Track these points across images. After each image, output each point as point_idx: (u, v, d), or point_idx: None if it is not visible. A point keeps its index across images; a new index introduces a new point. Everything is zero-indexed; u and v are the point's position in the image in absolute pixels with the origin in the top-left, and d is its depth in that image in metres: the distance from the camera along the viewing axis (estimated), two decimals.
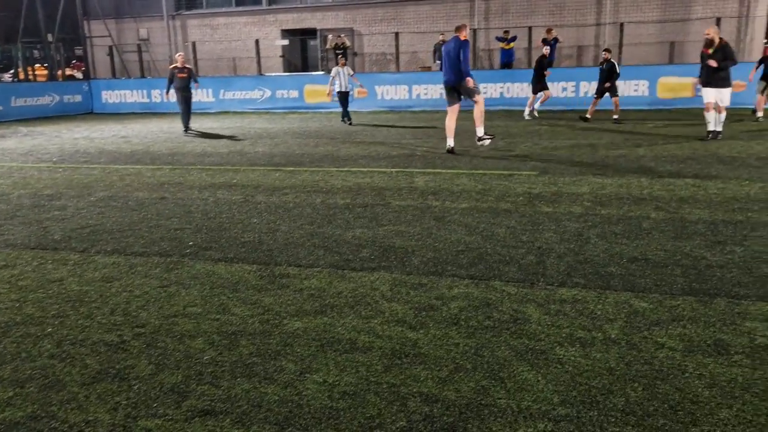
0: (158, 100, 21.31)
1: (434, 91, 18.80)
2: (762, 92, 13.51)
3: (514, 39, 20.79)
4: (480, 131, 10.40)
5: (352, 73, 15.76)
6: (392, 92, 19.56)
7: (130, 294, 4.31)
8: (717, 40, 10.42)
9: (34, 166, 10.37)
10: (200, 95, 19.86)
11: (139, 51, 24.86)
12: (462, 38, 9.81)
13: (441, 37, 20.73)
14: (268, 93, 20.74)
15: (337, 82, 15.51)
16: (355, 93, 16.24)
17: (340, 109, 16.07)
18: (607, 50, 14.29)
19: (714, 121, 10.70)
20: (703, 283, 4.16)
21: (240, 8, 26.49)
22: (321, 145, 11.95)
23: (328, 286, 4.34)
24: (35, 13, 25.63)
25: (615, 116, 14.05)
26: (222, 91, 21.17)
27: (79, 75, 28.44)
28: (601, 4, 21.50)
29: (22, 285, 4.57)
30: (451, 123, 10.24)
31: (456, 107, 10.22)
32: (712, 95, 10.57)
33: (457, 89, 10.06)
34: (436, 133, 12.96)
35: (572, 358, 3.19)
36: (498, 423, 2.66)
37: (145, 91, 22.22)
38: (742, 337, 3.38)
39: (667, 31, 20.76)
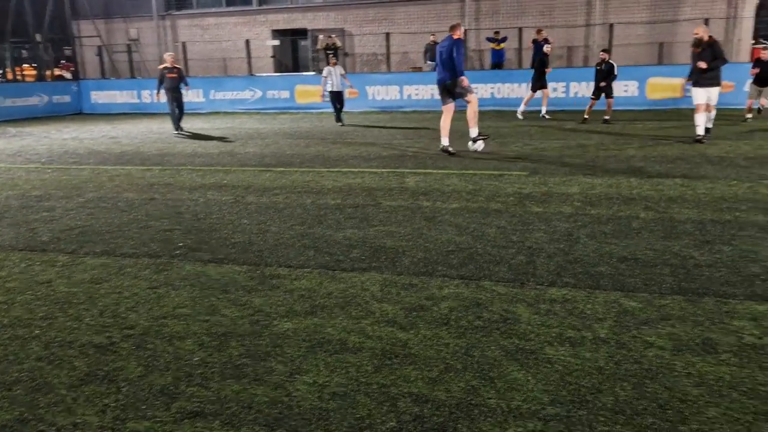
0: (148, 101, 21.20)
1: (425, 91, 18.81)
2: (755, 96, 13.54)
3: (504, 39, 20.85)
4: (473, 132, 10.29)
5: (343, 72, 15.60)
6: (383, 93, 19.55)
7: (119, 295, 4.29)
8: (705, 39, 10.31)
9: (22, 167, 10.29)
10: (190, 95, 19.72)
11: (129, 51, 24.69)
12: (455, 37, 9.76)
13: (432, 38, 20.75)
14: (259, 93, 20.68)
15: (330, 81, 15.38)
16: (347, 93, 16.16)
17: (332, 110, 15.95)
18: (605, 51, 14.28)
19: (703, 125, 10.54)
20: (692, 283, 4.19)
21: (230, 8, 26.40)
22: (312, 145, 11.93)
23: (318, 286, 4.33)
24: (23, 13, 25.43)
25: (606, 117, 14.09)
26: (212, 91, 21.09)
27: (68, 75, 28.22)
28: (591, 5, 21.60)
29: (10, 287, 4.53)
30: (445, 122, 10.15)
31: (450, 106, 10.14)
32: (702, 96, 10.43)
33: (449, 88, 10.00)
34: (427, 134, 12.97)
35: (562, 357, 3.21)
36: (488, 423, 2.66)
37: (135, 92, 22.10)
38: (730, 336, 3.40)
39: (656, 32, 20.88)
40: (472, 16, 22.89)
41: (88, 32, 26.84)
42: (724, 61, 10.39)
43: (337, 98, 15.54)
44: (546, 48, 15.52)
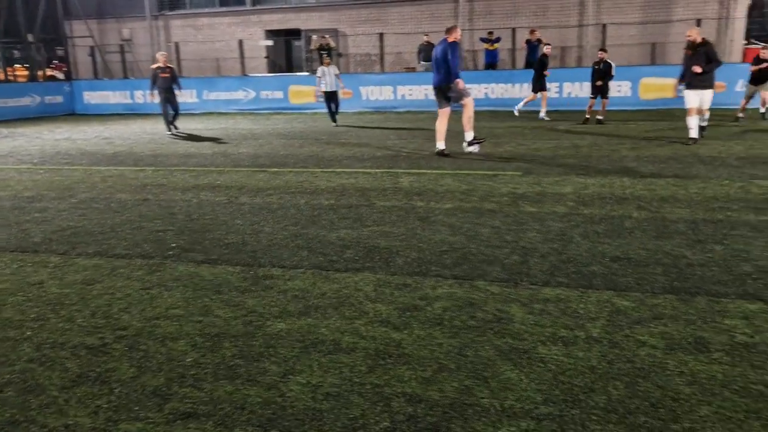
0: (141, 101, 21.12)
1: (419, 92, 18.82)
2: (751, 96, 13.61)
3: (498, 40, 20.90)
4: (469, 136, 10.14)
5: (337, 72, 15.57)
6: (377, 93, 19.55)
7: (111, 296, 4.27)
8: (699, 41, 10.19)
9: (14, 168, 10.24)
10: (184, 96, 19.70)
11: (122, 51, 24.59)
12: (450, 40, 9.69)
13: (425, 38, 20.78)
14: (253, 94, 20.64)
15: (324, 82, 15.36)
16: (340, 94, 16.14)
17: (326, 110, 15.94)
18: (603, 50, 14.32)
19: (696, 127, 10.47)
20: (684, 282, 4.21)
21: (224, 8, 26.34)
22: (306, 146, 11.92)
23: (311, 287, 4.33)
24: (15, 13, 25.29)
25: (599, 117, 14.13)
26: (206, 91, 21.04)
27: (60, 75, 28.09)
28: (584, 5, 21.68)
29: (1, 288, 4.50)
30: (441, 126, 10.02)
31: (446, 110, 10.01)
32: (695, 100, 10.30)
33: (444, 91, 9.90)
34: (421, 134, 12.98)
35: (555, 357, 3.21)
36: (481, 422, 2.67)
37: (127, 92, 22.01)
38: (722, 335, 3.42)
39: (648, 33, 20.97)
40: (465, 17, 22.92)
41: (80, 32, 26.72)
42: (719, 64, 10.26)
43: (331, 98, 15.53)
44: (546, 49, 15.54)
